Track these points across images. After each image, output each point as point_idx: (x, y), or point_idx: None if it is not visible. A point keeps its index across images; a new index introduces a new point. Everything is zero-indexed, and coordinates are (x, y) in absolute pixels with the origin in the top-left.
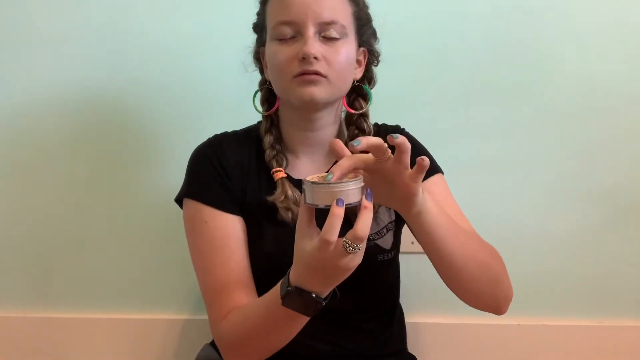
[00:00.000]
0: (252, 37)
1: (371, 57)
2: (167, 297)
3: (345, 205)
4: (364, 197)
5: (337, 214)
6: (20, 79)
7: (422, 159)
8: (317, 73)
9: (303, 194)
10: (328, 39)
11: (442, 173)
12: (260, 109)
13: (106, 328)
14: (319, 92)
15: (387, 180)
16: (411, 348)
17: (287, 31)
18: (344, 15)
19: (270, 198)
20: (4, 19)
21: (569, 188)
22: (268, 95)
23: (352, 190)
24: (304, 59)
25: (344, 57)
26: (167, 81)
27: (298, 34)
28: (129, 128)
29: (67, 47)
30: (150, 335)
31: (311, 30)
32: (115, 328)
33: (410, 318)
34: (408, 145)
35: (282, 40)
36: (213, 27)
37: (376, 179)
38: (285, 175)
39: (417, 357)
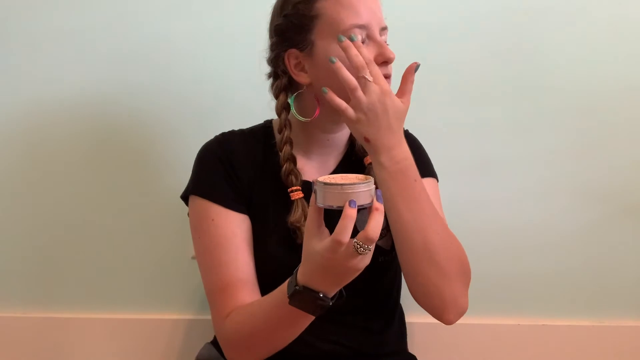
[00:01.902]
0: (260, 38)
1: None
2: (170, 297)
3: (357, 206)
4: (374, 199)
5: (350, 215)
6: (24, 79)
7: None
8: (389, 76)
9: (314, 194)
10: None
11: (437, 180)
12: (299, 116)
13: (107, 328)
14: None
15: None
16: (411, 348)
17: (361, 35)
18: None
19: (290, 220)
20: (7, 19)
21: (568, 188)
22: (285, 101)
23: (363, 192)
24: (386, 62)
25: None
26: (173, 81)
27: (367, 38)
28: (132, 127)
29: (71, 47)
30: (153, 336)
31: (378, 35)
32: (118, 328)
33: (410, 318)
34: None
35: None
36: (219, 27)
37: None
38: (302, 195)
39: (417, 357)
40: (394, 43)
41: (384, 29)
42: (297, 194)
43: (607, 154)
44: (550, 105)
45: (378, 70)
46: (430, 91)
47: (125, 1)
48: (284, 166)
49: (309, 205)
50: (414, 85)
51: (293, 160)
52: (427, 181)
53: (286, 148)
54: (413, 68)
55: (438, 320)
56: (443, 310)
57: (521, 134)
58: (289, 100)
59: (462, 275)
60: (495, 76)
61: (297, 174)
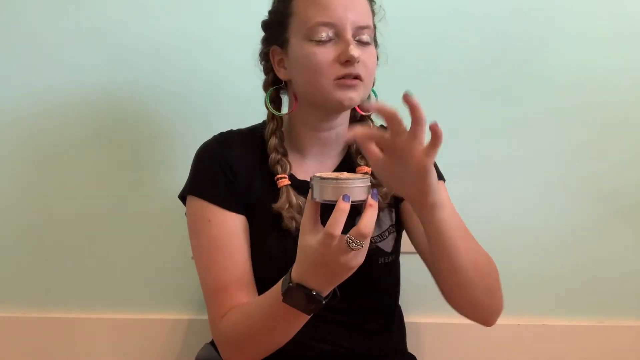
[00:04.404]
0: (258, 38)
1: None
2: (170, 297)
3: (351, 202)
4: (370, 196)
5: (343, 209)
6: (24, 80)
7: (435, 124)
8: (357, 77)
9: (310, 190)
10: (361, 43)
11: (444, 181)
12: (274, 110)
13: (108, 328)
14: (356, 96)
15: (402, 160)
16: (411, 348)
17: (327, 33)
18: (372, 21)
19: (275, 206)
20: (10, 19)
21: (569, 188)
22: (275, 96)
23: (358, 188)
24: (348, 61)
25: (374, 60)
26: (172, 81)
27: (336, 37)
28: (131, 127)
29: (69, 47)
30: (153, 336)
31: (349, 34)
32: (118, 328)
33: (410, 318)
34: (423, 115)
35: (320, 41)
36: (219, 27)
37: (390, 159)
38: (289, 182)
39: (416, 357)
40: (395, 43)
41: (362, 27)
42: (283, 182)
43: (608, 154)
44: (550, 105)
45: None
46: (432, 92)
47: (125, 2)
48: (271, 156)
49: (299, 200)
50: (418, 86)
51: (280, 152)
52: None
53: (272, 139)
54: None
55: (481, 325)
56: (489, 321)
57: (522, 134)
58: (265, 95)
59: (500, 286)
60: (496, 77)
61: (284, 163)
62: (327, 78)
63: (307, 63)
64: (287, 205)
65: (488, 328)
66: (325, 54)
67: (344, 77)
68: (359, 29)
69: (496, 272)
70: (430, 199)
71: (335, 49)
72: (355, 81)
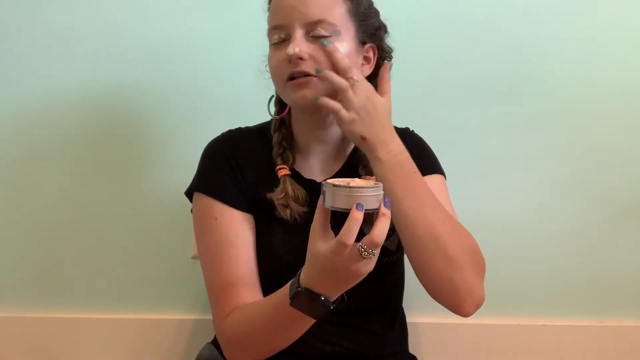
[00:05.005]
0: (259, 37)
1: (382, 53)
2: (174, 297)
3: (364, 210)
4: (382, 204)
5: (356, 218)
6: (26, 78)
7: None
8: (305, 74)
9: (322, 196)
10: (317, 38)
11: (445, 177)
12: (272, 111)
13: (108, 328)
14: (310, 93)
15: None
16: (411, 348)
17: (278, 35)
18: (334, 14)
19: (269, 195)
20: (9, 19)
21: (569, 188)
22: (280, 98)
23: (371, 197)
24: (290, 61)
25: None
26: (176, 81)
27: (288, 37)
28: (131, 127)
29: (75, 47)
30: (155, 336)
31: (299, 32)
32: (119, 329)
33: (411, 318)
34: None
35: (274, 45)
36: (223, 27)
37: None
38: (288, 172)
39: (417, 357)
40: (396, 44)
41: (314, 22)
42: (282, 171)
43: (608, 155)
44: (552, 106)
45: (360, 73)
46: (433, 92)
47: (126, 1)
48: (274, 149)
49: (298, 190)
50: (419, 86)
51: (284, 146)
52: (435, 178)
53: (276, 134)
54: (388, 67)
55: (456, 314)
56: (459, 303)
57: (522, 134)
58: (270, 97)
59: (474, 264)
60: (497, 77)
61: (286, 156)
62: (281, 79)
63: (270, 68)
64: (282, 195)
65: (488, 328)
66: (278, 57)
67: (292, 76)
68: (312, 25)
69: (467, 247)
70: (372, 154)
71: (286, 50)
72: (304, 79)
